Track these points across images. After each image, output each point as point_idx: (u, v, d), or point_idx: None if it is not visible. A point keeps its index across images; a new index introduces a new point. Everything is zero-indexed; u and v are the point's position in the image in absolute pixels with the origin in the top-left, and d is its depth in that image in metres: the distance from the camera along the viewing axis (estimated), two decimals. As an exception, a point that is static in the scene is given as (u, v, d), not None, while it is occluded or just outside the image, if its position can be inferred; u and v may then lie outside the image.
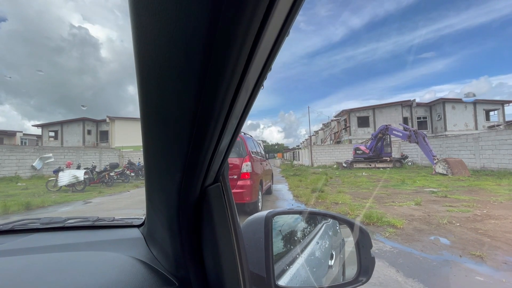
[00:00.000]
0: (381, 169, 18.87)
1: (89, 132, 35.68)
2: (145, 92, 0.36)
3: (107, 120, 34.41)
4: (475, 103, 28.46)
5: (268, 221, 0.76)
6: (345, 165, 20.40)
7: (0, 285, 0.57)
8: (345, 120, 31.77)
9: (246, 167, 5.16)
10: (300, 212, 1.06)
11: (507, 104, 28.29)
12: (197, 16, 0.25)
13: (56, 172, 11.60)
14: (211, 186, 0.53)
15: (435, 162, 14.18)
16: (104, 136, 36.45)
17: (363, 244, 0.87)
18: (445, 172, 13.26)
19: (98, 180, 13.00)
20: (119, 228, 0.99)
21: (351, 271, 0.91)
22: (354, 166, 19.97)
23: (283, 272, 0.80)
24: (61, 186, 11.05)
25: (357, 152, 20.61)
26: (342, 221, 1.04)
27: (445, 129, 28.02)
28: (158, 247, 0.73)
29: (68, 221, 1.03)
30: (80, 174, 11.31)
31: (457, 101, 28.83)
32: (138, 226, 0.97)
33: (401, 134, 17.45)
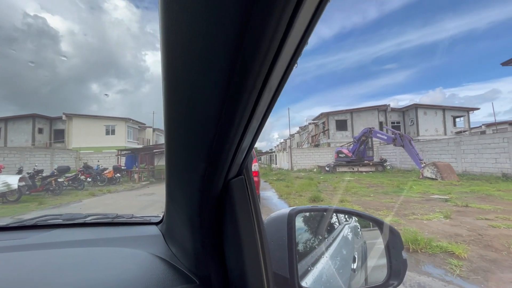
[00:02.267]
0: (364, 173, 18.31)
1: (40, 131, 31.12)
2: (172, 86, 0.36)
3: (63, 117, 30.33)
4: (444, 109, 29.72)
5: (291, 218, 0.73)
6: (327, 169, 19.58)
7: (24, 278, 0.58)
8: (323, 123, 31.42)
9: (254, 167, 5.88)
10: (325, 210, 1.04)
11: (472, 112, 29.96)
12: (229, 15, 0.25)
13: (-21, 178, 8.92)
14: (234, 179, 0.51)
15: (422, 166, 13.76)
16: (59, 135, 32.09)
17: (393, 245, 0.83)
18: (434, 177, 12.82)
19: (41, 187, 10.45)
20: (137, 226, 0.99)
21: (375, 275, 0.90)
22: (337, 170, 19.23)
23: (306, 272, 0.76)
24: (-15, 197, 8.46)
25: (340, 155, 19.94)
26: (370, 220, 1.00)
27: (418, 134, 28.79)
28: (178, 244, 0.72)
29: (88, 218, 1.05)
30: (14, 181, 8.80)
31: (429, 107, 29.88)
32: (156, 224, 0.97)
33: (385, 137, 17.02)
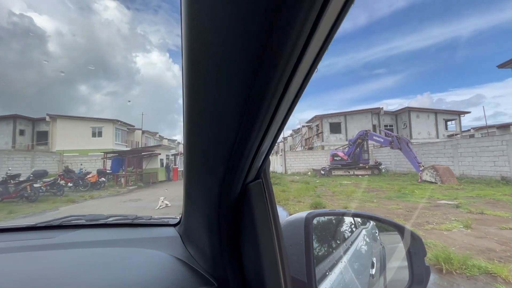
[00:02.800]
0: (360, 176, 17.91)
1: (22, 133, 29.53)
2: (193, 91, 0.36)
3: (47, 118, 28.87)
4: (436, 113, 29.87)
5: (308, 222, 0.72)
6: (323, 172, 19.08)
7: (54, 276, 0.62)
8: (317, 126, 31.08)
9: None
10: (343, 214, 1.06)
11: (463, 115, 30.24)
12: (253, 19, 0.25)
13: None
14: (253, 183, 0.51)
15: (421, 169, 13.42)
16: (42, 137, 30.56)
17: (415, 251, 0.82)
18: (433, 180, 12.47)
19: (15, 193, 9.49)
20: (156, 227, 1.03)
21: (395, 281, 0.91)
22: (333, 173, 18.76)
23: (323, 277, 0.74)
24: None
25: (335, 158, 19.51)
26: (390, 224, 0.97)
27: (411, 137, 28.76)
28: (195, 246, 0.74)
29: (109, 219, 1.09)
30: (-20, 187, 7.86)
31: (421, 110, 29.99)
32: (174, 225, 1.00)
33: (382, 140, 16.69)
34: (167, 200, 8.23)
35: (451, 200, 7.70)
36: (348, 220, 1.08)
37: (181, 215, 0.86)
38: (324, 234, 0.93)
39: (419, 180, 13.11)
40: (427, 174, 12.94)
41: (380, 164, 20.48)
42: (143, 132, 36.03)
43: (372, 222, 1.19)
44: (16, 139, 28.71)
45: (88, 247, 0.81)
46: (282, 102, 0.34)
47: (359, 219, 1.17)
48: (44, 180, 10.69)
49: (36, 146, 29.63)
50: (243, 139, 0.38)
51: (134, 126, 33.50)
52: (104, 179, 14.01)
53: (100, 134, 28.56)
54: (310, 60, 0.30)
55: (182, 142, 0.48)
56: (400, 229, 0.91)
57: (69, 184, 12.36)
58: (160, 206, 7.87)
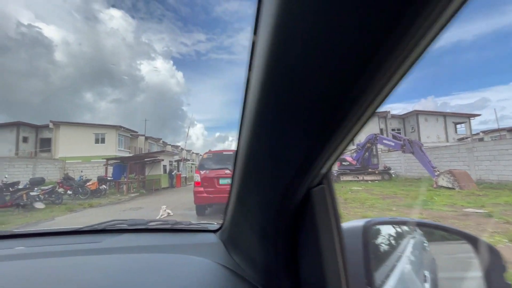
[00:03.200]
0: (369, 181, 17.22)
1: (25, 140, 29.44)
2: (275, 91, 0.33)
3: (50, 125, 28.73)
4: (445, 116, 29.14)
5: (366, 231, 0.70)
6: (331, 178, 18.40)
7: (103, 283, 0.62)
8: (322, 130, 30.53)
9: None
10: (404, 223, 1.02)
11: (473, 118, 29.46)
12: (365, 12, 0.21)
13: None
14: (316, 188, 0.47)
15: (436, 174, 12.73)
16: (45, 144, 30.43)
17: (493, 266, 0.76)
18: (450, 186, 11.77)
19: (10, 202, 9.03)
20: (196, 232, 1.03)
21: None
22: (341, 179, 18.10)
23: None
24: None
25: (343, 163, 18.86)
26: (459, 235, 0.92)
27: (420, 141, 28.03)
28: (242, 253, 0.71)
29: (150, 223, 1.11)
30: (-29, 196, 7.42)
31: (430, 113, 29.29)
32: (214, 231, 0.98)
33: (393, 144, 16.03)
34: (169, 209, 7.71)
35: (478, 208, 7.04)
36: (395, 228, 1.03)
37: (223, 220, 0.85)
38: (377, 242, 0.89)
39: (435, 186, 12.42)
40: (443, 179, 12.24)
41: (389, 169, 19.77)
42: (147, 138, 35.76)
43: (419, 231, 1.11)
44: (20, 146, 28.60)
45: (133, 252, 0.82)
46: (369, 108, 0.29)
47: (407, 228, 1.08)
48: (42, 188, 10.25)
49: (39, 153, 29.49)
50: (320, 145, 0.34)
51: (137, 132, 33.26)
52: (105, 186, 13.56)
53: (103, 141, 28.29)
54: (411, 61, 0.25)
55: (236, 142, 0.45)
56: (472, 240, 0.85)
57: (68, 192, 11.91)
58: (162, 215, 7.35)
